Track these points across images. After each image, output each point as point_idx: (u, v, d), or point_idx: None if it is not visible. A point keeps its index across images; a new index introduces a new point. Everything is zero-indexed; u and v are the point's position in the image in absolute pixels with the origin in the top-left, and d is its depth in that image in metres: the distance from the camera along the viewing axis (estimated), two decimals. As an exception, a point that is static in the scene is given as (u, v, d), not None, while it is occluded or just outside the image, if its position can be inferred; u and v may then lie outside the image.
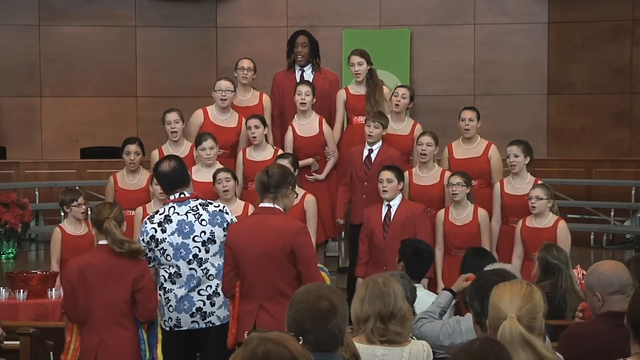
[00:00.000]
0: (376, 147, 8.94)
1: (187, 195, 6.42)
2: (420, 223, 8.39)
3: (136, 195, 8.83)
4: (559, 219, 8.34)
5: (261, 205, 6.16)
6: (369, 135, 8.87)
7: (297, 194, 6.28)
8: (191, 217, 6.34)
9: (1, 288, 8.18)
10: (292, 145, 9.23)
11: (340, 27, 15.30)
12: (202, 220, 6.35)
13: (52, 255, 8.68)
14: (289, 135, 9.27)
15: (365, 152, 8.96)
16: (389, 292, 4.53)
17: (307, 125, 9.28)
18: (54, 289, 8.14)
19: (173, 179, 6.46)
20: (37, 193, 14.18)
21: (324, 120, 9.32)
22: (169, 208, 6.42)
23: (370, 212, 8.53)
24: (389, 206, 8.43)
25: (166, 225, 6.35)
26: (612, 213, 13.78)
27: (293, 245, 5.97)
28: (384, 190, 8.37)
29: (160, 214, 6.42)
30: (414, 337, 5.74)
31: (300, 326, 3.62)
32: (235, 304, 6.20)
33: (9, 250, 12.37)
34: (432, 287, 8.17)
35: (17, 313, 7.88)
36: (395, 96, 9.23)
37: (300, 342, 3.15)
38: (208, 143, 8.62)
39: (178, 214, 6.37)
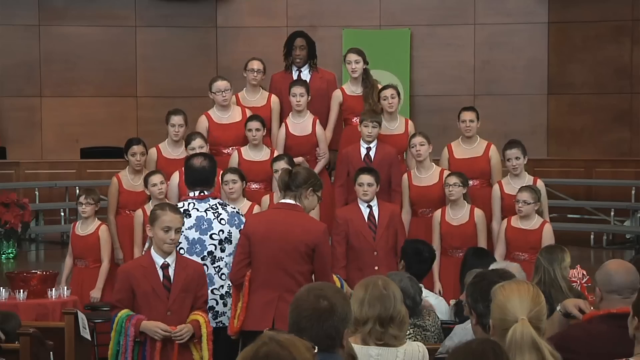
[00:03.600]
0: (373, 145, 8.95)
1: (206, 193, 6.61)
2: (399, 223, 8.42)
3: (143, 197, 8.79)
4: (545, 221, 8.38)
5: (283, 200, 6.28)
6: (369, 135, 8.87)
7: (321, 199, 6.40)
8: (210, 215, 6.52)
9: (1, 288, 8.17)
10: (283, 143, 9.23)
11: (340, 27, 15.31)
12: (222, 219, 6.53)
13: (68, 249, 8.81)
14: (282, 133, 9.27)
15: (364, 151, 8.94)
16: (389, 295, 4.51)
17: (301, 124, 9.28)
18: (53, 289, 8.14)
19: (199, 176, 6.69)
20: (37, 193, 14.18)
21: (317, 121, 9.32)
22: (189, 203, 6.61)
23: (349, 214, 8.37)
24: (370, 206, 8.38)
25: (184, 220, 6.44)
26: (612, 213, 13.78)
27: (317, 243, 6.13)
28: (365, 193, 8.31)
29: (180, 208, 6.52)
30: (416, 337, 5.75)
31: (297, 324, 3.62)
32: (245, 292, 6.25)
33: (9, 250, 12.37)
34: (428, 287, 8.16)
35: (17, 313, 7.87)
36: (385, 99, 9.21)
37: (315, 351, 3.14)
38: (197, 142, 8.59)
39: (197, 210, 6.56)
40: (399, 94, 9.28)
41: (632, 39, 15.02)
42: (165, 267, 5.94)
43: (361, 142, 8.96)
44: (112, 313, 5.94)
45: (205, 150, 8.57)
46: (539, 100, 15.48)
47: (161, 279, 5.92)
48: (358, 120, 9.41)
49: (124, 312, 5.88)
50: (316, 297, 3.66)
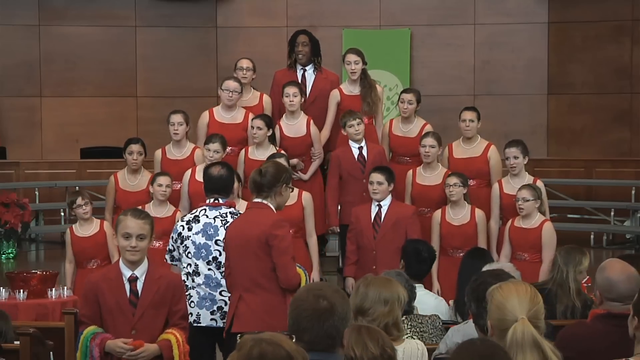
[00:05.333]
0: (364, 144, 8.97)
1: (221, 201, 6.73)
2: (410, 225, 8.38)
3: (137, 197, 8.79)
4: (545, 220, 8.36)
5: (254, 200, 6.35)
6: (357, 133, 8.88)
7: (293, 189, 6.57)
8: (218, 222, 6.63)
9: (1, 288, 8.18)
10: (278, 145, 9.24)
11: (340, 27, 15.31)
12: (228, 227, 6.54)
13: (66, 256, 8.70)
14: (276, 135, 9.28)
15: (356, 151, 8.96)
16: (362, 292, 4.82)
17: (294, 125, 9.29)
18: (53, 289, 8.14)
19: (216, 184, 6.80)
20: (37, 193, 14.18)
21: (311, 121, 9.33)
22: (201, 210, 6.75)
23: (359, 212, 8.48)
24: (380, 206, 8.40)
25: (193, 224, 6.68)
26: (612, 213, 13.78)
27: (267, 236, 6.12)
28: (375, 192, 8.35)
29: (191, 214, 6.80)
30: (413, 337, 5.76)
31: (297, 324, 3.64)
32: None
33: (9, 250, 12.37)
34: (428, 287, 8.16)
35: (17, 313, 7.86)
36: (402, 102, 9.25)
37: (294, 340, 3.18)
38: (214, 146, 8.59)
39: (207, 216, 6.68)
40: (418, 101, 9.26)
41: (632, 39, 15.02)
42: (132, 280, 5.42)
43: (350, 143, 8.97)
44: (80, 329, 5.45)
45: (220, 155, 8.59)
46: (539, 100, 15.47)
47: (127, 293, 5.40)
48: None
49: (89, 330, 5.38)
50: (316, 297, 3.67)
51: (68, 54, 15.44)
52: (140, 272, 5.42)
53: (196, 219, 6.70)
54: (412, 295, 6.18)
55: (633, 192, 13.66)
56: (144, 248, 5.41)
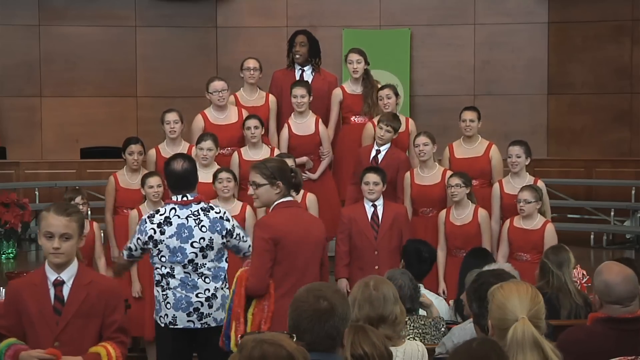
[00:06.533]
0: (384, 149, 8.96)
1: (189, 198, 6.41)
2: (405, 225, 8.42)
3: (138, 195, 8.79)
4: (547, 221, 8.36)
5: (288, 199, 6.12)
6: (380, 138, 8.90)
7: None
8: (191, 222, 6.34)
9: (1, 288, 8.17)
10: (286, 144, 9.25)
11: (340, 27, 15.31)
12: (202, 226, 6.36)
13: None
14: (285, 134, 9.29)
15: (373, 153, 8.97)
16: (378, 297, 4.62)
17: (303, 124, 9.30)
18: (53, 289, 8.13)
19: (181, 180, 6.45)
20: (37, 193, 14.18)
21: (320, 120, 9.34)
22: (170, 209, 6.42)
23: (353, 213, 8.40)
24: (375, 206, 8.38)
25: (165, 228, 6.35)
26: (612, 213, 13.78)
27: (328, 236, 6.35)
28: (371, 192, 8.32)
29: (160, 215, 6.41)
30: (415, 338, 5.75)
31: (297, 325, 3.64)
32: (271, 302, 6.00)
33: (9, 250, 12.36)
34: (433, 286, 8.18)
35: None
36: (381, 99, 9.26)
37: (294, 340, 3.18)
38: (207, 144, 8.61)
39: (179, 217, 6.37)
40: (396, 94, 9.32)
41: (632, 39, 15.02)
42: (58, 284, 4.72)
43: (375, 143, 8.99)
44: None
45: (214, 153, 8.59)
46: (539, 100, 15.47)
47: (52, 300, 4.70)
48: (357, 119, 9.46)
49: (5, 342, 4.68)
50: (316, 298, 3.67)
51: (68, 54, 15.43)
52: (68, 275, 4.73)
53: (167, 221, 6.35)
54: (416, 294, 6.17)
55: (633, 192, 13.66)
56: (69, 250, 4.70)
